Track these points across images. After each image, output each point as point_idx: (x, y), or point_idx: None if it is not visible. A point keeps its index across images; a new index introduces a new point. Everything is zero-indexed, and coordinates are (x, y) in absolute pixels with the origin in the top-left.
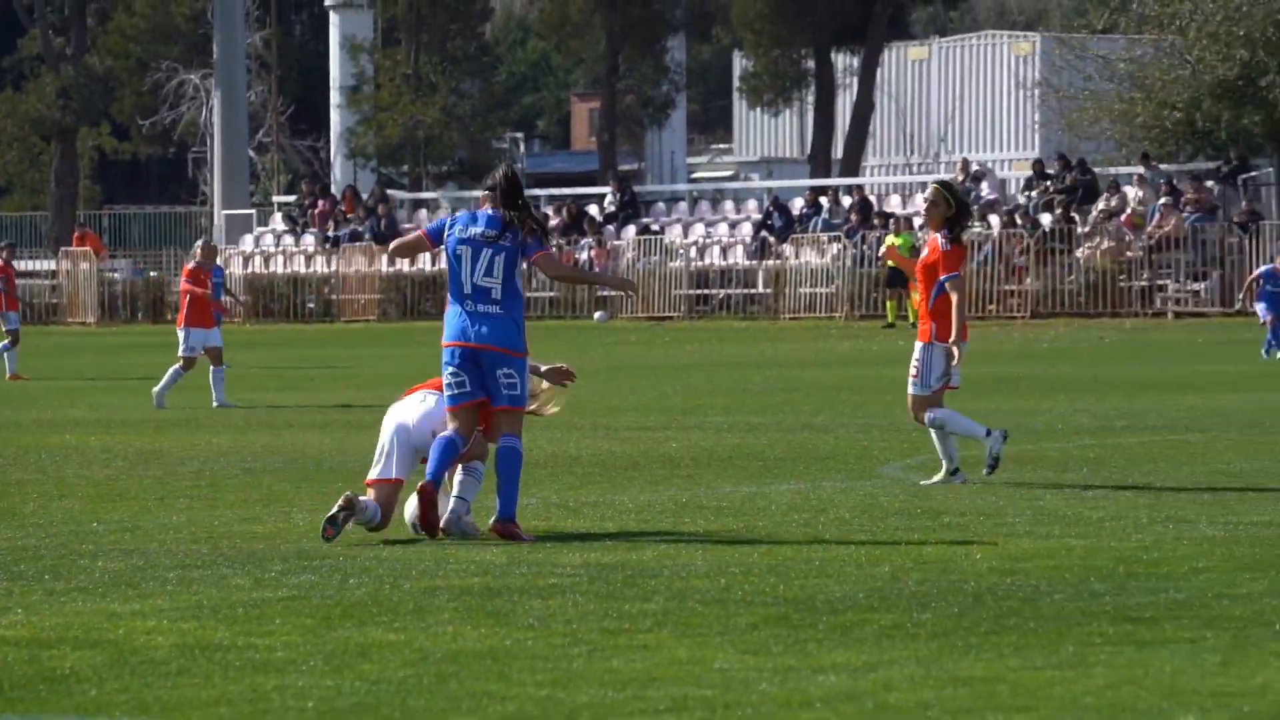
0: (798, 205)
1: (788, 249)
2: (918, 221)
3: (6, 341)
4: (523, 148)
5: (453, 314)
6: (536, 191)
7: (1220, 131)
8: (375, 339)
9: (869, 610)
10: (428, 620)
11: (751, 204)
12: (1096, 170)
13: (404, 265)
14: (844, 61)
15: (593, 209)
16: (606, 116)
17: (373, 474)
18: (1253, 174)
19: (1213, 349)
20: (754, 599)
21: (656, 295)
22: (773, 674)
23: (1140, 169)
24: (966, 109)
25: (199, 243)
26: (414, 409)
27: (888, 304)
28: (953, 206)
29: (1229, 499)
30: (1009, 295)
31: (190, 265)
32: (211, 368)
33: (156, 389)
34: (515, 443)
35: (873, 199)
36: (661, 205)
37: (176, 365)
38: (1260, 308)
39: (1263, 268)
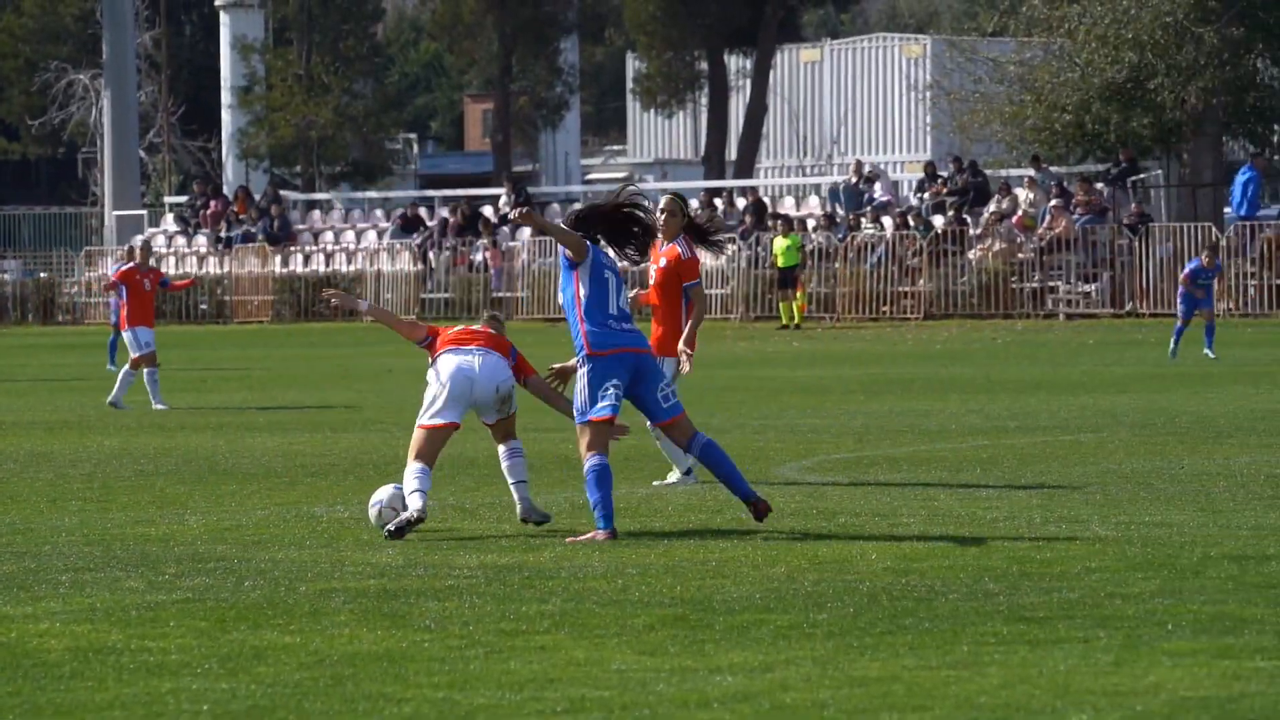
0: (692, 206)
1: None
2: (811, 224)
3: None
4: (416, 148)
5: (606, 329)
6: (430, 193)
7: (1109, 134)
8: (268, 340)
9: (765, 611)
10: (324, 623)
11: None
12: (988, 172)
13: (298, 267)
14: (737, 63)
15: (487, 210)
16: (500, 118)
17: (431, 420)
18: (1142, 176)
19: (1103, 350)
20: (651, 600)
21: (551, 297)
22: (670, 675)
23: (1031, 171)
24: (858, 111)
25: (138, 242)
26: (476, 362)
27: (781, 305)
28: (686, 217)
29: (1120, 499)
30: (902, 296)
31: (126, 266)
32: (131, 370)
33: (143, 399)
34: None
35: (767, 200)
36: (556, 207)
37: (126, 369)
38: (1182, 308)
39: (1190, 264)
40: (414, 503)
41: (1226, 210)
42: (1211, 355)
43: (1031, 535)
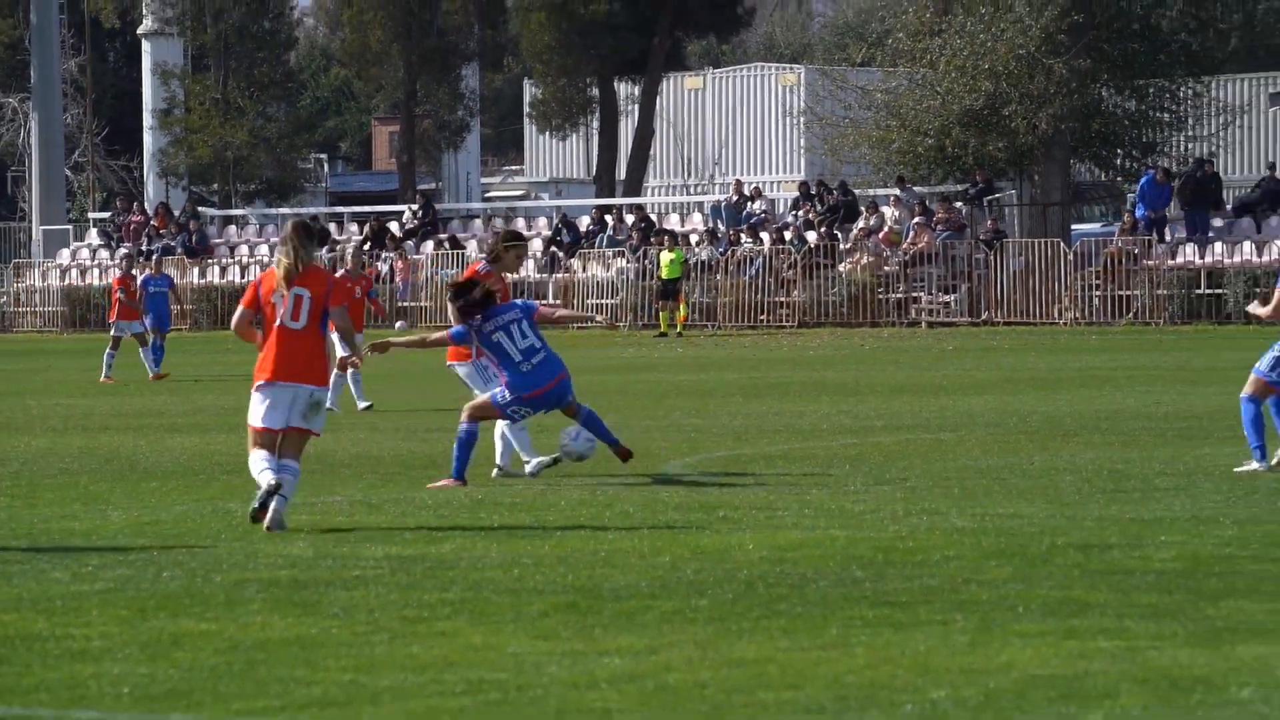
0: (584, 223)
1: (576, 263)
2: (694, 239)
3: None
4: (327, 168)
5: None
6: (340, 209)
7: (967, 156)
8: (187, 346)
9: (651, 597)
10: (238, 611)
11: (542, 221)
12: (856, 192)
13: (215, 279)
14: (626, 90)
15: (393, 225)
16: (405, 139)
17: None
18: (997, 195)
19: (961, 355)
20: (545, 588)
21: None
22: (561, 658)
23: (896, 191)
24: (738, 134)
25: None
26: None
27: (661, 314)
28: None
29: (977, 492)
30: (778, 306)
31: (339, 275)
32: (339, 371)
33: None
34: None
35: (653, 217)
36: (457, 222)
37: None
38: None
39: None
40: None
41: (1074, 226)
42: None
43: (895, 526)
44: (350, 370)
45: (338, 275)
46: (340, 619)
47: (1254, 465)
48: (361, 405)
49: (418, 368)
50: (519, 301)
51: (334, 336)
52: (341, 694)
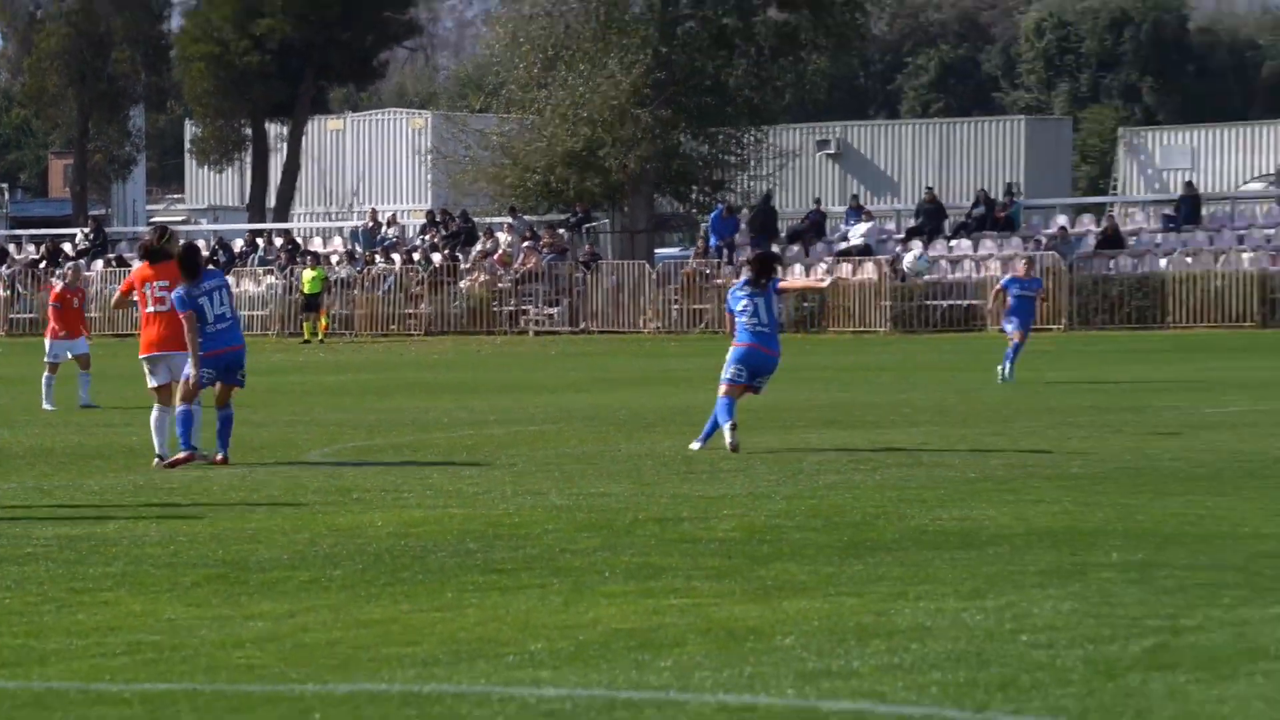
0: (238, 244)
1: (230, 280)
2: (335, 259)
3: None
4: (7, 196)
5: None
6: (19, 232)
7: (569, 191)
8: None
9: (291, 569)
10: None
11: (201, 243)
12: (475, 219)
13: None
14: (276, 130)
15: (67, 246)
16: (78, 171)
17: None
18: (593, 224)
19: (562, 359)
20: (198, 562)
21: (121, 317)
22: (212, 622)
23: (509, 219)
24: (374, 169)
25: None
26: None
27: (305, 324)
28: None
29: (573, 475)
30: (407, 317)
31: (58, 287)
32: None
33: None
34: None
35: (299, 240)
36: (125, 244)
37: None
38: (1010, 325)
39: (1004, 279)
40: None
41: (657, 250)
42: (1008, 378)
43: (504, 505)
44: (48, 375)
45: (59, 287)
46: (13, 591)
47: (727, 438)
48: (49, 407)
49: (111, 369)
50: (221, 273)
51: (46, 343)
52: (13, 656)
